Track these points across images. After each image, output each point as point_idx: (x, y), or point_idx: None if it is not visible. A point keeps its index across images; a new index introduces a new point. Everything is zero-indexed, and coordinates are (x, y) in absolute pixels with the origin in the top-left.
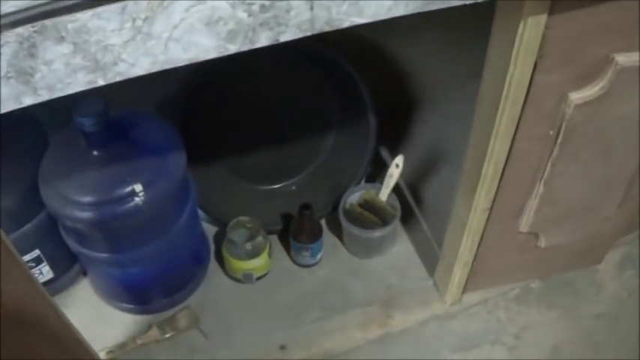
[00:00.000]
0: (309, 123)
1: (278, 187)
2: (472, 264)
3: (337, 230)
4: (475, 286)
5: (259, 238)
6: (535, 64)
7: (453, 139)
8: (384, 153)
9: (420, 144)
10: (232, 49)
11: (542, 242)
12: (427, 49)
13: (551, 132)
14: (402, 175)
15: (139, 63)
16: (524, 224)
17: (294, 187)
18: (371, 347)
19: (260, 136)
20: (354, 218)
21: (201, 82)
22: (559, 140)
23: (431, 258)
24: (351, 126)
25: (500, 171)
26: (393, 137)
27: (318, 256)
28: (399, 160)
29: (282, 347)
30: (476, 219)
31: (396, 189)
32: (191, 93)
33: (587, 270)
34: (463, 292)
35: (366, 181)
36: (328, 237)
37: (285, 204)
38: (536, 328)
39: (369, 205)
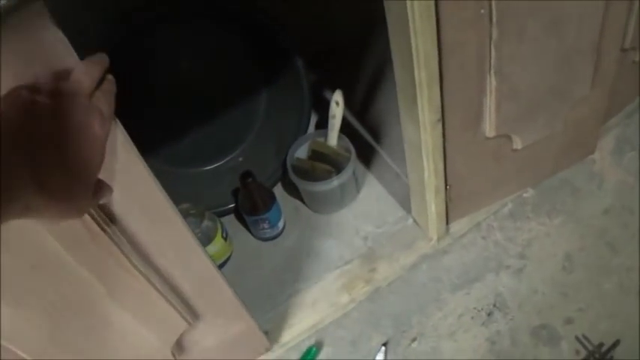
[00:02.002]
0: (236, 89)
1: (223, 164)
2: (446, 188)
3: (295, 192)
4: (460, 212)
5: (207, 222)
6: None
7: (387, 51)
8: (329, 96)
9: (359, 73)
10: None
11: (518, 143)
12: None
13: (482, 11)
14: (352, 112)
15: None
16: (489, 128)
17: (240, 159)
18: (362, 308)
19: (188, 117)
20: (306, 173)
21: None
22: (494, 19)
23: (403, 193)
24: (280, 79)
25: (437, 72)
26: (332, 77)
27: (280, 224)
28: (338, 96)
29: (266, 333)
30: (429, 136)
31: (350, 129)
32: None
33: (582, 164)
34: (448, 223)
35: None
36: (288, 202)
37: (235, 179)
38: (540, 242)
39: (319, 155)
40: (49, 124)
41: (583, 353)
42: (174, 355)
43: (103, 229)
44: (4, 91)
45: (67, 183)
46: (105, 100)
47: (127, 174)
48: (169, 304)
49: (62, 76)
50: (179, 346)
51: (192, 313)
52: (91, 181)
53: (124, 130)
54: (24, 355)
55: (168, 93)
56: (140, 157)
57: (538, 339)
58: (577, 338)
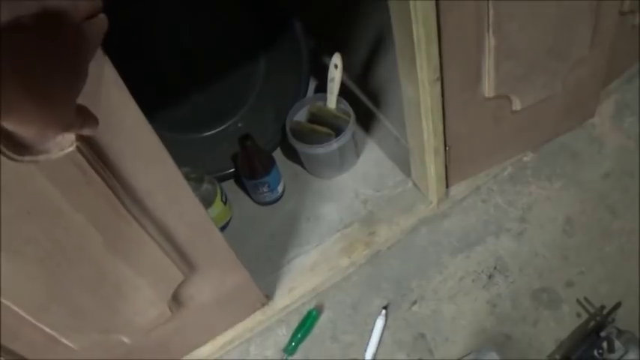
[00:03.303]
0: (235, 54)
1: (222, 129)
2: (445, 150)
3: (295, 156)
4: (459, 175)
5: (206, 186)
6: None
7: (386, 13)
8: (328, 60)
9: (357, 36)
10: None
11: (517, 105)
12: None
13: None
14: (350, 76)
15: None
16: (488, 88)
17: (240, 125)
18: (362, 272)
19: (188, 82)
20: (306, 136)
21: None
22: None
23: (403, 157)
24: (279, 44)
25: (435, 30)
26: (330, 40)
27: (279, 188)
28: (336, 59)
29: (266, 297)
30: (427, 95)
31: (349, 93)
32: None
33: (582, 128)
34: (448, 186)
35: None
36: (287, 166)
37: (235, 144)
38: (541, 205)
39: (318, 118)
40: (33, 35)
41: (584, 316)
42: (171, 309)
43: (97, 172)
44: None
45: (49, 90)
46: (92, 29)
47: (119, 115)
48: (164, 253)
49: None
50: (176, 300)
51: (187, 264)
52: (72, 94)
53: (114, 70)
54: (23, 314)
55: (168, 58)
56: (132, 98)
57: (539, 302)
58: (578, 301)
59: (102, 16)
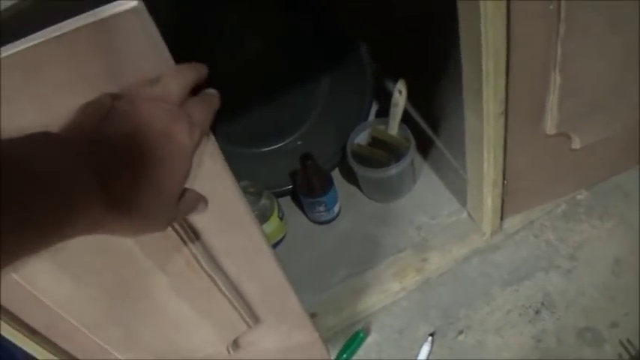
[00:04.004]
0: (298, 71)
1: (282, 146)
2: (503, 183)
3: (353, 177)
4: (514, 208)
5: (264, 201)
6: None
7: (452, 42)
8: (390, 85)
9: (422, 63)
10: None
11: (577, 143)
12: None
13: (551, 7)
14: (411, 101)
15: None
16: (550, 125)
17: (299, 142)
18: (411, 297)
19: (249, 97)
20: (365, 159)
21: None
22: (562, 15)
23: (460, 187)
24: (343, 63)
25: (504, 65)
26: (394, 66)
27: (335, 209)
28: (401, 85)
29: (313, 315)
30: (491, 128)
31: (409, 119)
32: None
33: (635, 169)
34: (502, 219)
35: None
36: (344, 187)
37: (293, 161)
38: (591, 244)
39: (379, 142)
40: (124, 130)
41: (625, 357)
42: (229, 350)
43: (175, 229)
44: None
45: (141, 198)
46: (198, 109)
47: (211, 182)
48: (232, 306)
49: (149, 82)
50: (235, 343)
51: (253, 317)
52: (172, 194)
53: (214, 140)
54: (79, 326)
55: (232, 73)
56: (226, 166)
57: (583, 340)
58: (621, 342)
59: (212, 91)
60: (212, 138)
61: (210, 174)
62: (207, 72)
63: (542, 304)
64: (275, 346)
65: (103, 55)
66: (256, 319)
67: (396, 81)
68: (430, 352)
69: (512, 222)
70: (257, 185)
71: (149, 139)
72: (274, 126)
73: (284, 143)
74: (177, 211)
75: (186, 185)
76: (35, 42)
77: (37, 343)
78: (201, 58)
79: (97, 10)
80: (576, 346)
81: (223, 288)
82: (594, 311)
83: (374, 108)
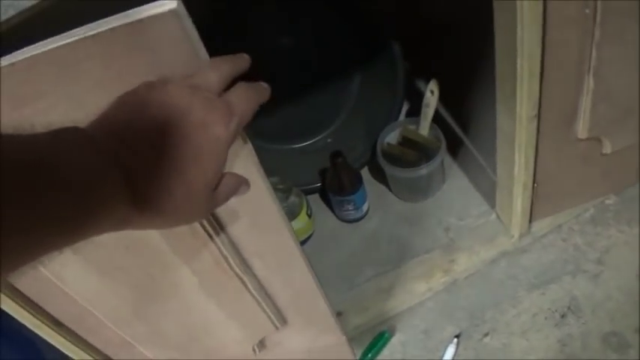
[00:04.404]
0: (330, 68)
1: (312, 143)
2: (533, 186)
3: (381, 177)
4: (543, 212)
5: (293, 198)
6: None
7: (485, 43)
8: (421, 85)
9: (454, 63)
10: None
11: (608, 148)
12: None
13: (587, 10)
14: (442, 102)
15: None
16: (582, 129)
17: (329, 140)
18: (438, 298)
19: (280, 93)
20: (396, 158)
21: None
22: (598, 19)
23: (489, 188)
24: (374, 61)
25: (539, 67)
26: (426, 65)
27: (364, 207)
28: (433, 85)
29: (339, 314)
30: (524, 130)
31: (439, 119)
32: None
33: None
34: (531, 221)
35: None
36: (373, 186)
37: (322, 159)
38: (619, 249)
39: (409, 142)
40: (157, 121)
41: None
42: (254, 350)
43: (205, 229)
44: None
45: (172, 195)
46: (239, 98)
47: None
48: (260, 308)
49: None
50: (261, 343)
51: (281, 319)
52: (206, 188)
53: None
54: (105, 321)
55: (264, 69)
56: (258, 162)
57: (608, 345)
58: None
59: (264, 85)
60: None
61: (244, 172)
62: (249, 62)
63: (569, 308)
64: (301, 347)
65: (139, 56)
66: (284, 321)
67: (427, 81)
68: (455, 354)
69: (541, 225)
70: (286, 182)
71: (183, 130)
72: (305, 123)
73: (314, 140)
74: (214, 200)
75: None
76: (71, 39)
77: (61, 335)
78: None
79: (135, 9)
80: (601, 350)
81: (252, 290)
82: (620, 316)
83: (405, 107)
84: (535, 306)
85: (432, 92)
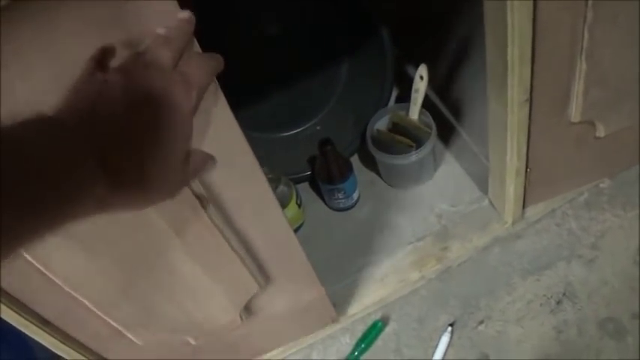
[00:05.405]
0: (316, 55)
1: (301, 131)
2: (526, 171)
3: (372, 164)
4: (536, 197)
5: (282, 188)
6: None
7: (474, 27)
8: (411, 71)
9: (444, 47)
10: None
11: (601, 131)
12: None
13: None
14: (433, 87)
15: None
16: (575, 112)
17: (318, 127)
18: (431, 286)
19: (267, 81)
20: (386, 145)
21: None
22: (590, 2)
23: (481, 174)
24: (363, 47)
25: (530, 51)
26: (415, 51)
27: (354, 195)
28: (422, 70)
29: (333, 305)
30: (515, 114)
31: (430, 105)
32: None
33: None
34: (524, 207)
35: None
36: (363, 173)
37: (311, 147)
38: (614, 234)
39: (399, 128)
40: (120, 103)
41: None
42: (241, 317)
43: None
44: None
45: (145, 171)
46: (195, 68)
47: (218, 134)
48: (243, 264)
49: (138, 43)
50: (247, 309)
51: (264, 276)
52: (176, 160)
53: (228, 109)
54: (93, 308)
55: (251, 56)
56: (232, 115)
57: (604, 331)
58: None
59: (216, 56)
60: (219, 90)
61: (218, 126)
62: (193, 23)
63: (564, 294)
64: (284, 308)
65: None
66: (267, 279)
67: (417, 66)
68: (450, 342)
69: (534, 210)
70: (275, 171)
71: (145, 108)
72: (293, 111)
73: (303, 129)
74: (186, 174)
75: (196, 145)
76: None
77: (48, 333)
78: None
79: None
80: (597, 337)
81: (234, 244)
82: (616, 302)
83: (394, 93)
84: (530, 292)
85: (421, 77)
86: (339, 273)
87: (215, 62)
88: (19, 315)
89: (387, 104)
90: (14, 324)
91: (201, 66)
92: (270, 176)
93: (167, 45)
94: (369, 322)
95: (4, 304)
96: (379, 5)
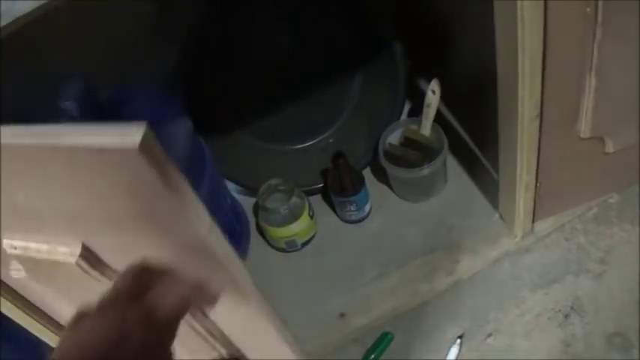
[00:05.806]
0: (330, 68)
1: (313, 143)
2: (536, 186)
3: (384, 177)
4: (546, 211)
5: (295, 199)
6: None
7: (486, 42)
8: (423, 85)
9: (455, 62)
10: None
11: (610, 147)
12: None
13: (587, 9)
14: (444, 102)
15: None
16: (585, 128)
17: (331, 140)
18: (440, 299)
19: (281, 94)
20: (397, 159)
21: (202, 46)
22: (599, 19)
23: (492, 188)
24: (376, 61)
25: (540, 67)
26: (427, 65)
27: (366, 208)
28: (434, 85)
29: (342, 315)
30: (526, 130)
31: (441, 119)
32: (194, 60)
33: None
34: (534, 221)
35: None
36: (375, 186)
37: (324, 159)
38: (622, 248)
39: (411, 142)
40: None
41: None
42: None
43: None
44: None
45: None
46: (160, 294)
47: None
48: None
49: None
50: None
51: None
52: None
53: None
54: None
55: (265, 69)
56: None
57: (611, 345)
58: None
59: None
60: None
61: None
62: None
63: (572, 308)
64: None
65: (104, 174)
66: None
67: (429, 80)
68: (458, 355)
69: (544, 225)
70: (288, 183)
71: (120, 351)
72: (306, 123)
73: (316, 141)
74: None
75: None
76: (34, 141)
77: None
78: (234, 53)
79: (100, 128)
80: (604, 351)
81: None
82: (624, 316)
83: (407, 107)
84: (538, 306)
85: (433, 92)
86: (349, 284)
87: (196, 292)
88: (34, 319)
89: (399, 118)
90: (30, 329)
91: (170, 294)
92: (282, 188)
93: (126, 275)
94: (379, 333)
95: (19, 308)
96: (392, 20)
